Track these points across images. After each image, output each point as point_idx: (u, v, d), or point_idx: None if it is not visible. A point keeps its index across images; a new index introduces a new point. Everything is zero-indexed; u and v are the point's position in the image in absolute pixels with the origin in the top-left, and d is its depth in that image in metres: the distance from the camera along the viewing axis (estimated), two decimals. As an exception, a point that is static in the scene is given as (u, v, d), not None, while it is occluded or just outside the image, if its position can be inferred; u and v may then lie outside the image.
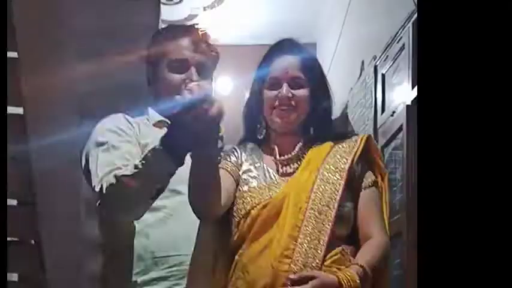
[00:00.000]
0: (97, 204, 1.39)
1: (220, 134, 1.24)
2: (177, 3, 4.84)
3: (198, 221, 1.38)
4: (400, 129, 3.14)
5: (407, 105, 3.05)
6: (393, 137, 3.26)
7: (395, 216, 2.92)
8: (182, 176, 1.44)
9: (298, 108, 1.43)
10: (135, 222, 1.47)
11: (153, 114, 1.60)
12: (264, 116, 1.46)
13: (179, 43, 1.59)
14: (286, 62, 1.45)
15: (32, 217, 1.86)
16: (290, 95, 1.42)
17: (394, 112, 3.28)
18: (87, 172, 1.48)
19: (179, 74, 1.56)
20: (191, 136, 1.20)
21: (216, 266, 1.38)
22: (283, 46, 1.48)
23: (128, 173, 1.31)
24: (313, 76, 1.46)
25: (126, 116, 1.57)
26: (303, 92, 1.44)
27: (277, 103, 1.43)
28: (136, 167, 1.30)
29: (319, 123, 1.45)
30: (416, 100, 3.00)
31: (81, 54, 2.82)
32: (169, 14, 4.47)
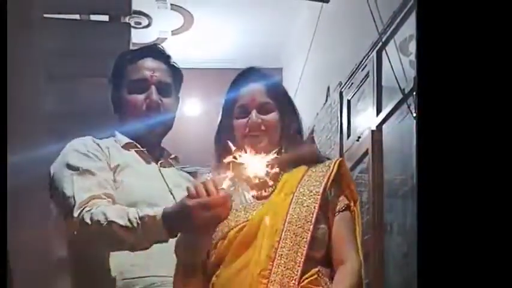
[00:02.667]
0: (74, 232, 1.38)
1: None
2: (145, 27, 4.87)
3: (169, 242, 1.37)
4: (365, 153, 3.22)
5: (372, 131, 3.14)
6: (359, 161, 3.35)
7: (362, 238, 2.98)
8: (149, 200, 1.47)
9: (268, 132, 1.46)
10: None
11: (121, 137, 1.61)
12: (236, 142, 1.47)
13: (139, 64, 1.61)
14: (253, 90, 1.48)
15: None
16: (259, 120, 1.46)
17: (359, 137, 3.37)
18: (57, 193, 1.47)
19: (140, 94, 1.58)
20: (194, 223, 1.24)
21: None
22: (248, 75, 1.52)
23: (121, 222, 1.32)
24: (281, 100, 1.50)
25: (95, 139, 1.57)
26: (272, 116, 1.47)
27: (247, 130, 1.45)
28: (131, 222, 1.31)
29: (291, 146, 1.49)
30: (380, 125, 3.10)
31: (52, 76, 2.81)
32: (137, 37, 4.49)
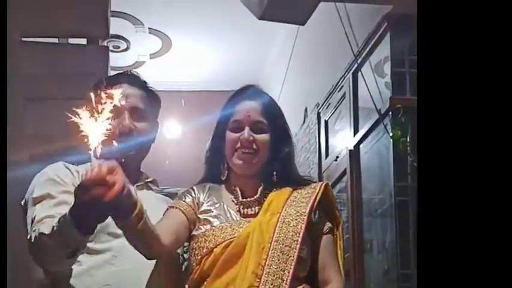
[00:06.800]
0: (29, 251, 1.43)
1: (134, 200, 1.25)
2: (123, 50, 4.89)
3: (143, 261, 1.41)
4: (344, 173, 3.26)
5: (350, 150, 3.19)
6: (337, 180, 3.39)
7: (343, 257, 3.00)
8: None
9: (259, 152, 1.48)
10: (81, 264, 1.48)
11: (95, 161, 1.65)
12: (225, 157, 1.51)
13: (113, 91, 1.66)
14: (249, 107, 1.48)
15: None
16: (252, 138, 1.47)
17: (337, 157, 3.41)
18: (26, 219, 1.50)
19: (113, 120, 1.59)
20: (97, 211, 1.23)
21: None
22: (247, 92, 1.54)
23: (46, 232, 1.34)
24: (275, 122, 1.52)
25: (66, 164, 1.60)
26: (264, 137, 1.49)
27: (239, 145, 1.47)
28: (53, 228, 1.34)
29: (280, 168, 1.51)
30: (358, 145, 3.15)
31: (30, 99, 2.80)
32: (116, 61, 4.51)
